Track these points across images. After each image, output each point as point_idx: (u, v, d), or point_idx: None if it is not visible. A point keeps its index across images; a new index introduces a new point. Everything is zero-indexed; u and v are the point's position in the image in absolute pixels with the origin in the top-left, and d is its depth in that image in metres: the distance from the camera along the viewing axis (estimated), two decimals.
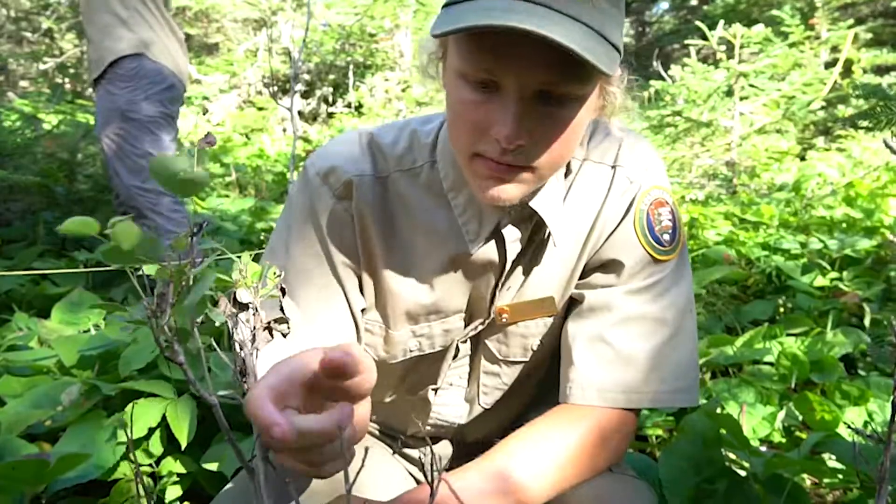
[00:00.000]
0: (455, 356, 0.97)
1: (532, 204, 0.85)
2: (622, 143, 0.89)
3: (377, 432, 1.10)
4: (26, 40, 9.02)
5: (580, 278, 0.92)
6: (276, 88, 9.34)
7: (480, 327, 0.94)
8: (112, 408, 1.34)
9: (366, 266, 0.91)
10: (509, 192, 0.77)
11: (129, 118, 2.46)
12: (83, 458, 1.04)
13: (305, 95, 9.48)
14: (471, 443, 1.04)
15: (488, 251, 0.89)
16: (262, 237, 3.81)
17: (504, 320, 0.92)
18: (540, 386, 1.01)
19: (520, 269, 0.91)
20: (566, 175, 0.90)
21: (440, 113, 0.92)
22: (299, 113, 8.85)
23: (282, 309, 0.47)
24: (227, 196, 5.39)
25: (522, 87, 0.70)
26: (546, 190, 0.86)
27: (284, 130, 8.76)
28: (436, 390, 0.99)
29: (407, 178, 0.90)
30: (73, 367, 1.49)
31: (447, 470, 1.04)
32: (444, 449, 1.07)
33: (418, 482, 1.07)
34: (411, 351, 0.96)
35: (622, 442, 0.89)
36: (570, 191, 0.89)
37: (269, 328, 0.45)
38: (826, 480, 1.60)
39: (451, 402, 1.01)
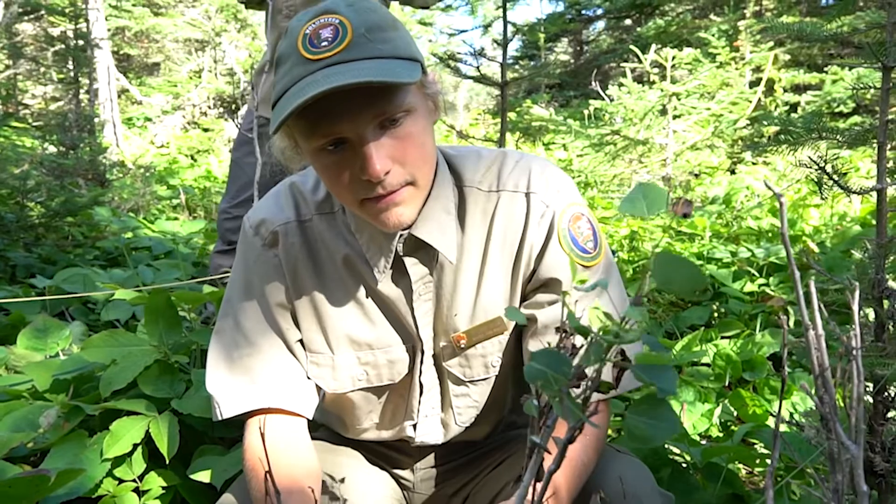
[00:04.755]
0: (421, 392, 1.07)
1: (416, 234, 0.98)
2: (531, 171, 1.02)
3: (363, 450, 1.19)
4: None
5: (526, 298, 1.04)
6: (222, 110, 9.29)
7: (426, 359, 1.05)
8: (93, 428, 1.39)
9: (300, 302, 1.04)
10: (404, 213, 0.92)
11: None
12: (79, 473, 1.10)
13: None
14: (457, 443, 1.14)
15: (392, 282, 1.02)
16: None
17: (462, 345, 1.04)
18: (514, 394, 1.13)
19: (444, 294, 1.03)
20: (460, 205, 1.02)
21: None
22: None
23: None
24: (176, 218, 5.36)
25: (361, 129, 0.84)
26: (430, 222, 0.98)
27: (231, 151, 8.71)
28: (415, 426, 1.10)
29: (326, 221, 1.04)
30: (47, 391, 1.52)
31: (437, 478, 1.15)
32: (430, 461, 1.18)
33: (405, 488, 1.19)
34: (359, 380, 1.06)
35: (605, 427, 1.02)
36: (493, 219, 1.01)
37: None
38: (758, 469, 1.77)
39: (430, 431, 1.11)
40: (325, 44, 0.83)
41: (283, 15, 2.28)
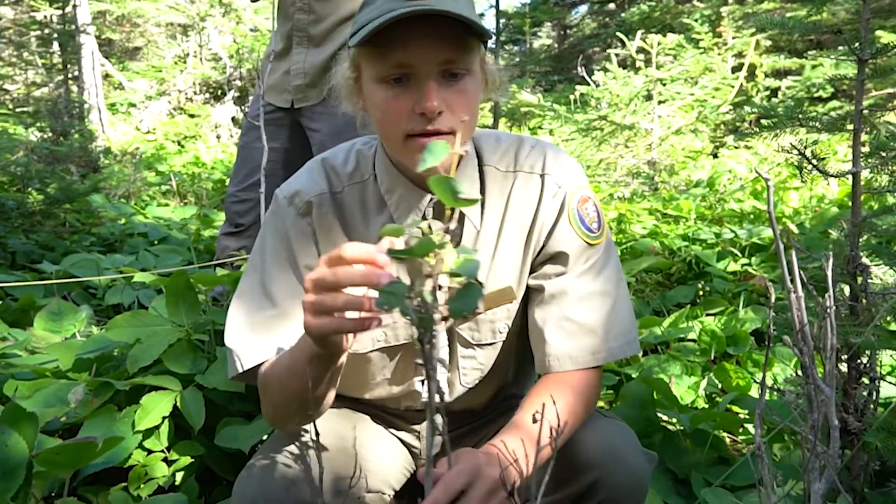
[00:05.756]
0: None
1: None
2: (546, 155, 1.13)
3: (372, 417, 1.28)
4: None
5: (534, 271, 1.13)
6: (208, 95, 9.23)
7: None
8: (119, 404, 1.47)
9: None
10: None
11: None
12: (118, 441, 1.19)
13: (239, 101, 9.45)
14: (458, 412, 1.24)
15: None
16: (210, 245, 3.88)
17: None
18: (516, 364, 1.22)
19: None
20: (482, 183, 1.11)
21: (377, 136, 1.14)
22: (233, 119, 8.82)
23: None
24: (166, 205, 5.38)
25: (428, 67, 0.93)
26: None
27: (219, 137, 8.69)
28: (423, 381, 1.18)
29: (357, 190, 1.12)
30: (70, 370, 1.60)
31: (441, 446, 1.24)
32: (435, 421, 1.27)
33: (413, 455, 1.27)
34: (378, 341, 1.14)
35: (595, 393, 1.11)
36: (509, 197, 1.11)
37: None
38: (741, 437, 1.89)
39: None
40: None
41: (297, 7, 2.33)
